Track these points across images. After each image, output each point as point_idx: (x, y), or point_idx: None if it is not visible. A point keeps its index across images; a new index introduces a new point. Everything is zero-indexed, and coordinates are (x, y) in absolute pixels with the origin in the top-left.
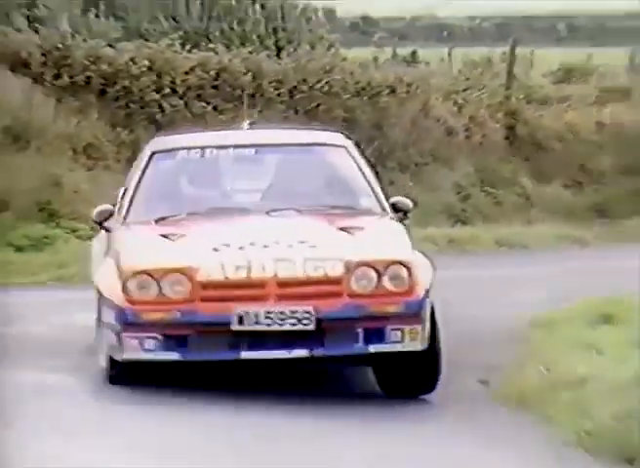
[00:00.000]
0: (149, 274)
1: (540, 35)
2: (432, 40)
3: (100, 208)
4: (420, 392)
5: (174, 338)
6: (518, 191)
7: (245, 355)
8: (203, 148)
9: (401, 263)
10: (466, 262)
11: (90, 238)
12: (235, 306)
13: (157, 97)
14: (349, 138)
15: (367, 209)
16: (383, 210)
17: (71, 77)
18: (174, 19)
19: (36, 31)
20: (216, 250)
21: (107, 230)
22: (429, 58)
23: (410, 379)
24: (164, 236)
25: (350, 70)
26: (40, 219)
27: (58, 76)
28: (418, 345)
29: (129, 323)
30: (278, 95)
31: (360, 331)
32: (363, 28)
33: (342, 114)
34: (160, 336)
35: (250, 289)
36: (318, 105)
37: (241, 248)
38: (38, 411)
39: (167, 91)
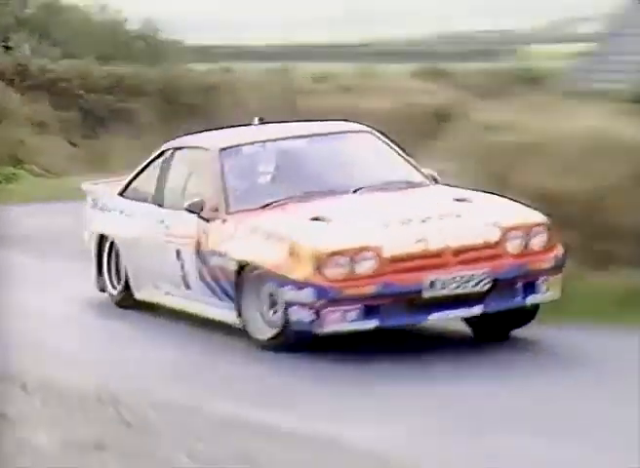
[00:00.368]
0: (343, 254)
1: None
2: None
3: (192, 201)
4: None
5: (371, 309)
6: None
7: (433, 317)
8: (264, 142)
9: (541, 224)
10: None
11: (40, 175)
12: (424, 275)
13: (82, 93)
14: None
15: (421, 181)
16: (434, 180)
17: (31, 81)
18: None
19: (9, 54)
20: (386, 226)
21: (207, 220)
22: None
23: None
24: (315, 219)
25: None
26: (11, 164)
27: (22, 80)
28: (559, 292)
29: (331, 299)
30: (154, 91)
31: (520, 286)
32: None
33: None
34: (360, 308)
35: (430, 258)
36: None
37: (405, 223)
38: None
39: (87, 89)
